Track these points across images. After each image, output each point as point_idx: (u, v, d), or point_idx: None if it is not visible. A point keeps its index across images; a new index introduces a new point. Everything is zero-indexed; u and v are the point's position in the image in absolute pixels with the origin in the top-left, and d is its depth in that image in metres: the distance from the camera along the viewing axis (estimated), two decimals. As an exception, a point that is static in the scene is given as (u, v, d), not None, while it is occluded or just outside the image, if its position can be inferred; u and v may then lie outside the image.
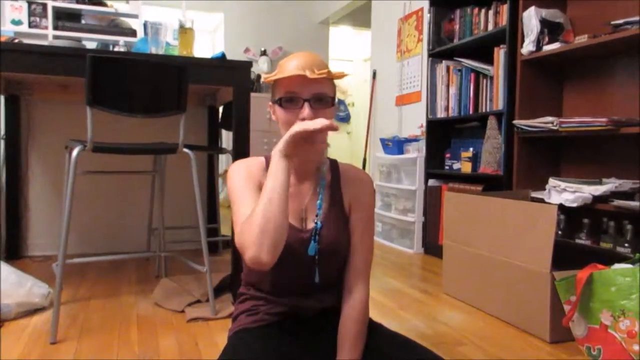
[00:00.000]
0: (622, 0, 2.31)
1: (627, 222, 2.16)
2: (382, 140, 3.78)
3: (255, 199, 1.02)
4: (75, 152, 1.81)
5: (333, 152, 6.32)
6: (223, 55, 2.25)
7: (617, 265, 1.52)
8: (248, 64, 2.26)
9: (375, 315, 2.07)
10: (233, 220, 1.04)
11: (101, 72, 1.80)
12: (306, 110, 1.01)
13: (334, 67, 6.98)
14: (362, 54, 7.06)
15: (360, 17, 5.66)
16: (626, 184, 2.18)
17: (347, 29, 6.91)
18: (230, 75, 2.23)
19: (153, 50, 2.34)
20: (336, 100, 1.14)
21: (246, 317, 1.14)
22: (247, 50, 5.55)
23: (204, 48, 5.89)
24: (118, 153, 2.06)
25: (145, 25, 2.60)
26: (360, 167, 4.65)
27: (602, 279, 1.49)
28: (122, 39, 3.52)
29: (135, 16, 3.96)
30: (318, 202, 1.11)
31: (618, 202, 2.07)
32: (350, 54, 7.05)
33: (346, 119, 7.00)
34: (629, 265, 1.49)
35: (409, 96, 4.04)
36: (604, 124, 2.09)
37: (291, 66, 1.04)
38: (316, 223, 1.09)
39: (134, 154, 2.18)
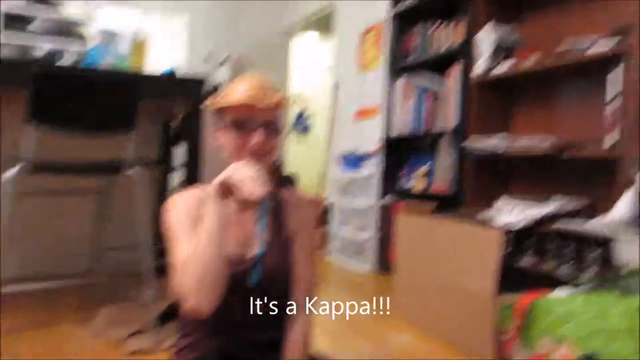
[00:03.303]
0: (572, 22, 2.39)
1: (570, 241, 2.23)
2: (340, 156, 3.79)
3: (194, 237, 1.00)
4: (9, 174, 1.72)
5: (293, 164, 6.29)
6: (173, 72, 2.21)
7: (556, 292, 1.56)
8: (200, 80, 2.23)
9: (325, 338, 2.06)
10: (172, 263, 1.02)
11: (44, 87, 1.73)
12: (258, 136, 1.02)
13: (296, 76, 6.89)
14: (324, 65, 7.07)
15: (323, 27, 5.67)
16: (570, 204, 2.24)
17: (311, 39, 6.91)
18: (182, 91, 2.19)
19: (103, 63, 2.27)
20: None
21: (187, 354, 1.11)
22: (209, 57, 5.46)
23: (165, 54, 5.75)
24: (56, 173, 1.97)
25: (100, 33, 2.52)
26: (319, 181, 4.64)
27: (541, 306, 1.52)
28: (73, 46, 3.36)
29: (89, 22, 3.80)
30: (260, 228, 1.09)
31: (561, 223, 2.13)
32: (313, 63, 7.05)
33: (306, 129, 6.99)
34: (568, 292, 1.54)
35: (368, 111, 4.06)
36: (547, 148, 2.15)
37: (242, 91, 1.04)
38: (258, 250, 1.08)
39: (72, 174, 2.06)
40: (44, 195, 2.82)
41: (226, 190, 0.98)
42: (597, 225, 1.93)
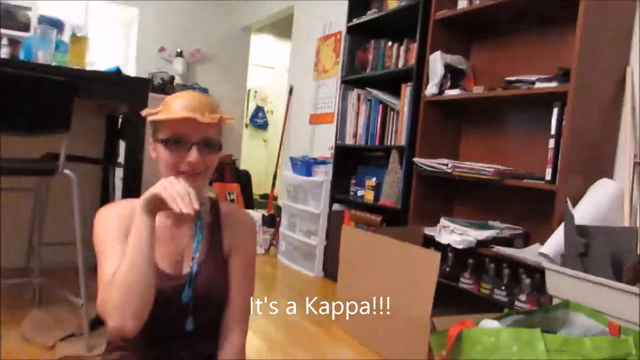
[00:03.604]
0: (517, 61, 2.46)
1: (505, 265, 2.30)
2: (292, 160, 3.76)
3: (124, 251, 0.95)
4: None
5: (248, 160, 6.22)
6: (118, 70, 2.11)
7: (484, 323, 1.59)
8: (145, 81, 2.15)
9: (264, 349, 2.05)
10: (98, 277, 0.97)
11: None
12: (194, 154, 0.98)
13: (255, 73, 6.72)
14: (284, 63, 7.02)
15: (283, 28, 5.62)
16: (507, 231, 2.32)
17: (270, 38, 6.84)
18: (126, 91, 2.10)
19: (40, 55, 2.14)
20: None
21: (116, 368, 1.06)
22: (162, 49, 5.28)
23: (116, 42, 5.53)
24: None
25: (39, 23, 2.38)
26: (271, 182, 4.61)
27: (469, 336, 1.55)
28: (9, 32, 3.12)
29: (28, 9, 3.55)
30: (194, 244, 1.05)
31: (497, 248, 2.19)
32: (272, 62, 6.98)
33: (264, 126, 6.94)
34: (495, 323, 1.57)
35: (323, 116, 4.06)
36: (490, 174, 2.20)
37: (180, 106, 1.00)
38: (192, 267, 1.04)
39: (3, 175, 1.94)
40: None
41: (156, 205, 0.94)
42: (531, 253, 1.99)
